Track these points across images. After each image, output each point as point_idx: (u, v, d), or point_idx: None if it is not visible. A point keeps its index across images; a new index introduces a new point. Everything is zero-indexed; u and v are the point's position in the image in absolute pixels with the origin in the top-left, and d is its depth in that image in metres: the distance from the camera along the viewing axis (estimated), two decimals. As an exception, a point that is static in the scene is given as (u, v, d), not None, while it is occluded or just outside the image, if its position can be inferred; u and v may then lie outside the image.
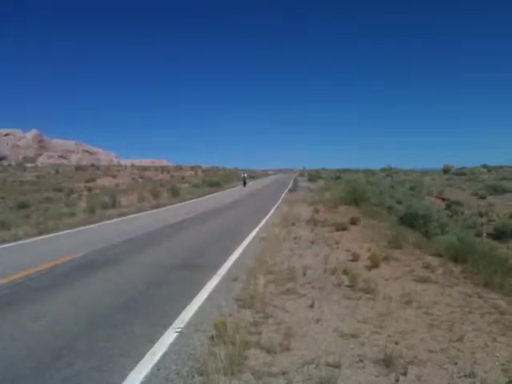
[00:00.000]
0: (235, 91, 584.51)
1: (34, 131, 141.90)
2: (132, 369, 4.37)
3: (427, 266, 8.72)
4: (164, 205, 27.23)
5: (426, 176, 66.37)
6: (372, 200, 25.24)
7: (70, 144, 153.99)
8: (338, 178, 67.72)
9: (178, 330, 5.42)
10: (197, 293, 7.10)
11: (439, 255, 9.78)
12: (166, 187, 41.50)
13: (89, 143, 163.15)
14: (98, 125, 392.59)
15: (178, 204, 28.58)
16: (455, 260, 9.18)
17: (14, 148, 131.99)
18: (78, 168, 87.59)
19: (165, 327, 5.51)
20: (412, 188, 42.68)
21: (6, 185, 50.26)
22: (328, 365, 4.40)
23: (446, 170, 73.66)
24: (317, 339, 5.09)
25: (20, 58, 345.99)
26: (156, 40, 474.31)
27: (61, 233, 15.22)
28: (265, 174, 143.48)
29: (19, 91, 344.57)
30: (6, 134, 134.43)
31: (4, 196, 35.44)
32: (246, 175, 57.60)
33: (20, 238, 13.84)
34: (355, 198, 22.84)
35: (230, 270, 8.82)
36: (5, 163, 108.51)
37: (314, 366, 4.40)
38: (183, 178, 69.80)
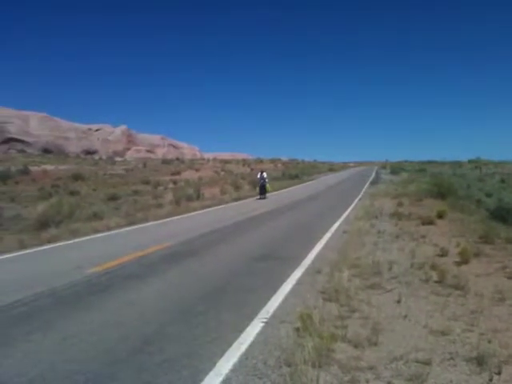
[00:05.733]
0: (315, 85, 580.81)
1: (122, 126, 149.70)
2: (220, 357, 4.48)
3: (522, 263, 8.24)
4: (245, 197, 27.65)
5: (519, 167, 62.36)
6: (459, 193, 24.16)
7: (155, 138, 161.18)
8: (423, 170, 65.29)
9: (264, 320, 5.51)
10: (281, 284, 7.17)
11: (535, 252, 9.21)
12: (246, 180, 42.08)
13: (173, 137, 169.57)
14: (182, 120, 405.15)
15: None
16: (554, 257, 8.61)
17: (105, 143, 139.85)
18: (164, 162, 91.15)
19: (250, 317, 5.61)
20: (503, 180, 40.26)
21: (97, 178, 53.33)
22: (417, 361, 4.30)
23: (541, 161, 68.91)
24: (405, 335, 4.99)
25: (110, 55, 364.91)
26: (227, 36, 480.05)
27: (149, 223, 15.94)
28: (345, 166, 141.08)
29: (110, 87, 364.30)
30: (97, 129, 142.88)
31: (95, 188, 37.57)
32: (265, 175, 28.45)
33: (112, 228, 14.61)
34: (441, 191, 21.98)
35: (313, 262, 8.82)
36: (96, 157, 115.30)
37: (402, 362, 4.32)
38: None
